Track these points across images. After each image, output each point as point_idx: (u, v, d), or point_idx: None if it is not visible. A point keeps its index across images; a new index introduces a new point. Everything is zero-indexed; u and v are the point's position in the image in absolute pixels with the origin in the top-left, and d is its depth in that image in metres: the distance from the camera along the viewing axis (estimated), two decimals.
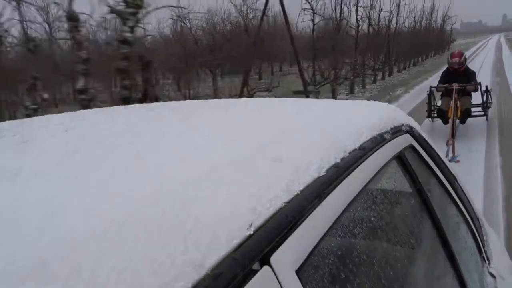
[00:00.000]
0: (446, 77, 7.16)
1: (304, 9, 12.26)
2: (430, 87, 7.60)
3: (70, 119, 1.00)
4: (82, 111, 1.12)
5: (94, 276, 0.35)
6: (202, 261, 0.39)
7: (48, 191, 0.51)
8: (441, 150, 1.39)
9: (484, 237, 1.46)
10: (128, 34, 4.27)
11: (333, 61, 11.98)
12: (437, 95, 7.49)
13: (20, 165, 0.62)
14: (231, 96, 8.78)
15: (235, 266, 0.41)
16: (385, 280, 0.77)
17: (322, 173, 0.64)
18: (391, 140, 0.99)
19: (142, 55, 4.76)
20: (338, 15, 13.56)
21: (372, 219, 0.81)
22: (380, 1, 16.50)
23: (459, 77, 6.96)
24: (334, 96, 11.88)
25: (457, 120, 6.81)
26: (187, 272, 0.38)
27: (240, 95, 9.01)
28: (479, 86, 7.19)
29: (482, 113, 7.57)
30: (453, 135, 6.17)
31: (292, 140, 0.73)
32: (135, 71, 4.53)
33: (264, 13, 10.24)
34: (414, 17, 23.76)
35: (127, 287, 0.34)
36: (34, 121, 1.00)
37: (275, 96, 7.88)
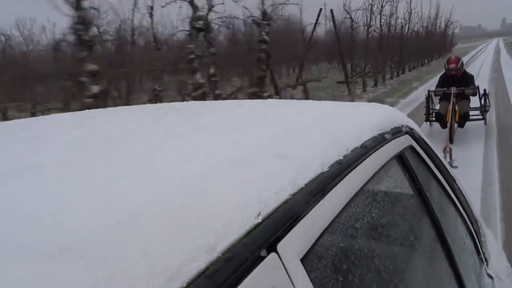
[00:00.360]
0: (444, 81, 7.17)
1: (345, 18, 16.06)
2: (429, 91, 7.62)
3: (80, 118, 1.03)
4: (91, 110, 1.14)
5: (112, 259, 0.37)
6: (214, 245, 0.42)
7: (59, 187, 0.53)
8: (439, 153, 1.42)
9: (482, 239, 1.48)
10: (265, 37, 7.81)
11: (365, 60, 15.84)
12: (435, 99, 7.52)
13: (31, 161, 0.64)
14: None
15: (245, 251, 0.44)
16: (385, 274, 0.79)
17: (325, 169, 0.67)
18: (391, 140, 1.01)
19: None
20: (368, 21, 17.25)
21: (373, 215, 0.83)
22: (396, 10, 19.98)
23: (457, 81, 6.98)
24: (364, 87, 14.85)
25: (455, 124, 6.83)
26: (201, 255, 0.40)
27: (296, 82, 11.92)
28: (477, 90, 7.21)
29: (481, 116, 7.59)
30: (451, 140, 6.17)
31: (294, 139, 0.76)
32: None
33: (316, 22, 13.15)
34: (422, 23, 27.25)
35: (145, 267, 0.36)
36: (44, 120, 1.03)
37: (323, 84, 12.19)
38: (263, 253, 0.46)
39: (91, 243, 0.38)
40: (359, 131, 0.91)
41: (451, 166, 5.18)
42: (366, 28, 16.99)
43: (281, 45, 13.21)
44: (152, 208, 0.44)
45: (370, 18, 17.09)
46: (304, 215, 0.55)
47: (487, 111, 7.73)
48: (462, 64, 7.24)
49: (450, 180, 1.38)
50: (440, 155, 1.43)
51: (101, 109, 1.21)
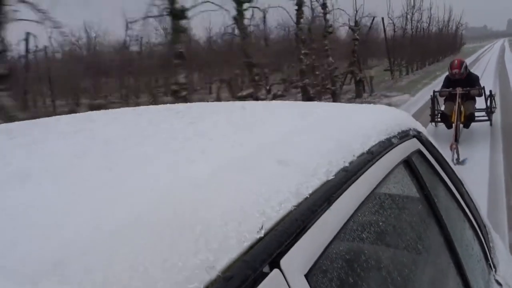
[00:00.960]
0: (449, 82, 7.10)
1: (389, 23, 20.73)
2: (434, 91, 7.57)
3: (79, 121, 1.01)
4: (92, 112, 1.12)
5: (106, 277, 0.35)
6: (214, 263, 0.39)
7: (58, 192, 0.51)
8: (446, 154, 1.39)
9: (491, 244, 1.45)
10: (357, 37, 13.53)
11: (400, 54, 20.67)
12: (441, 100, 7.47)
13: (30, 166, 0.62)
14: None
15: (246, 268, 0.41)
16: (392, 285, 0.76)
17: (331, 176, 0.64)
18: (398, 144, 0.98)
19: None
20: (404, 26, 23.09)
21: (380, 223, 0.81)
22: (421, 16, 26.34)
23: (462, 82, 6.91)
24: (400, 74, 19.80)
25: (461, 125, 6.77)
26: (199, 273, 0.37)
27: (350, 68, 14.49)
28: (483, 91, 7.14)
29: (486, 117, 7.52)
30: (456, 139, 6.14)
31: (297, 145, 0.73)
32: None
33: (371, 26, 17.78)
34: (438, 25, 33.83)
35: (139, 287, 0.34)
36: (43, 122, 1.01)
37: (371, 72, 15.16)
38: (265, 269, 0.44)
39: (76, 263, 0.35)
40: (365, 136, 0.88)
41: (459, 162, 5.18)
42: (402, 31, 22.76)
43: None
44: (144, 220, 0.42)
45: (405, 23, 23.09)
46: (309, 227, 0.53)
47: (493, 112, 7.66)
48: (466, 67, 7.13)
49: (458, 184, 1.35)
50: (447, 156, 1.40)
51: (102, 111, 1.19)
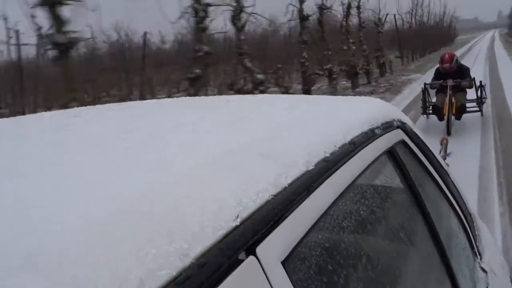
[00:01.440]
0: (440, 74, 7.16)
1: (398, 18, 24.35)
2: (424, 84, 7.61)
3: (64, 117, 1.01)
4: (75, 108, 1.12)
5: (79, 266, 0.35)
6: (187, 250, 0.40)
7: (35, 188, 0.51)
8: (435, 147, 1.41)
9: (476, 232, 1.47)
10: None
11: (407, 44, 24.77)
12: (432, 92, 7.51)
13: (14, 162, 0.62)
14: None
15: (221, 255, 0.42)
16: (373, 273, 0.78)
17: (311, 167, 0.65)
18: (382, 135, 0.99)
19: None
20: (410, 20, 28.03)
21: (362, 213, 0.82)
22: (423, 12, 31.37)
23: (453, 74, 6.96)
24: (402, 62, 22.67)
25: (453, 117, 6.82)
26: (172, 261, 0.38)
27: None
28: (473, 82, 7.20)
29: (477, 108, 7.59)
30: (448, 132, 6.18)
31: (279, 137, 0.74)
32: None
33: (384, 21, 20.07)
34: (435, 19, 38.42)
35: (112, 275, 0.35)
36: (29, 119, 1.01)
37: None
38: (241, 256, 0.45)
39: (48, 254, 0.36)
40: (347, 127, 0.89)
41: (444, 159, 5.18)
42: (409, 24, 27.30)
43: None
44: (121, 215, 0.42)
45: (410, 18, 27.83)
46: (287, 216, 0.54)
47: (483, 102, 7.73)
48: (457, 60, 7.19)
49: (443, 174, 1.37)
50: (435, 148, 1.42)
51: (88, 107, 1.19)
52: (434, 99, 7.31)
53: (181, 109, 1.05)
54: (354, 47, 14.44)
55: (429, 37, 32.15)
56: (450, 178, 1.43)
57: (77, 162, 0.60)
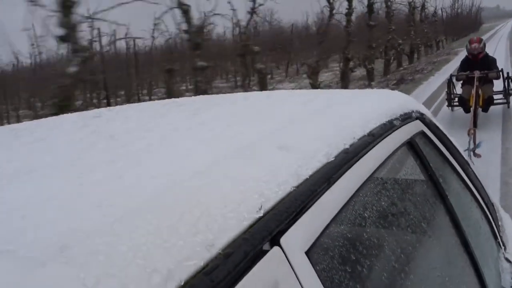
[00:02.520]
0: (466, 66, 6.98)
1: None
2: (450, 75, 7.45)
3: (85, 118, 1.03)
4: (97, 110, 1.15)
5: (109, 257, 0.36)
6: (213, 241, 0.41)
7: (65, 183, 0.53)
8: (461, 140, 1.39)
9: (500, 223, 1.45)
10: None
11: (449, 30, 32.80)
12: (457, 84, 7.37)
13: (37, 161, 0.64)
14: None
15: (246, 246, 0.43)
16: (396, 263, 0.77)
17: (331, 158, 0.65)
18: (401, 126, 0.99)
19: None
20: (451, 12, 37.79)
21: (383, 203, 0.82)
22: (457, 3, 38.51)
23: (480, 65, 6.79)
24: (447, 42, 32.49)
25: (479, 109, 6.66)
26: (199, 251, 0.39)
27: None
28: (501, 73, 7.02)
29: (504, 100, 7.40)
30: (475, 124, 6.03)
31: (299, 130, 0.74)
32: None
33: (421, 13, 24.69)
34: (466, 10, 46.76)
35: (142, 265, 0.36)
36: (50, 121, 1.03)
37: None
38: (265, 247, 0.45)
39: (81, 245, 0.37)
40: (366, 119, 0.89)
41: (474, 154, 5.06)
42: (450, 15, 36.02)
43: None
44: (147, 207, 0.43)
45: (451, 10, 36.74)
46: (309, 207, 0.54)
47: (511, 94, 7.51)
48: (484, 44, 7.05)
49: (464, 164, 1.35)
50: (459, 139, 1.40)
51: (108, 108, 1.21)
52: (459, 91, 7.15)
53: (199, 107, 1.06)
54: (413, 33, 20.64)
55: (462, 24, 41.36)
56: (471, 168, 1.41)
57: (103, 158, 0.62)
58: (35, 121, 1.04)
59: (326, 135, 0.74)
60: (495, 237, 1.37)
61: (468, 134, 5.46)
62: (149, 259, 0.36)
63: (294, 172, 0.57)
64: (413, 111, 1.14)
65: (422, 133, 1.15)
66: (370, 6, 15.10)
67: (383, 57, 17.33)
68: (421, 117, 1.18)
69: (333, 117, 0.88)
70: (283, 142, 0.65)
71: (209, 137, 0.70)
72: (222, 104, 1.12)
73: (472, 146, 5.29)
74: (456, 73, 7.20)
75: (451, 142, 1.34)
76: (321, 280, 0.50)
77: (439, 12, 33.58)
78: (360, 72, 17.59)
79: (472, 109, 6.26)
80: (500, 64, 7.60)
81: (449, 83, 7.34)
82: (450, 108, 7.49)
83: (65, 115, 1.08)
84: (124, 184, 0.51)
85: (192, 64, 7.06)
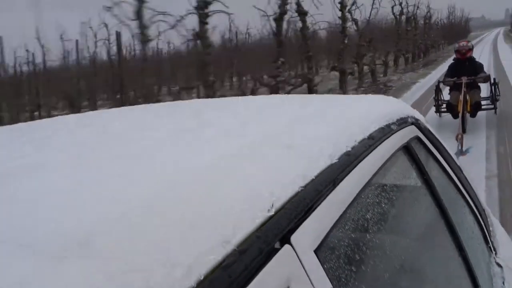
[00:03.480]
0: (454, 70, 7.08)
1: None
2: (438, 81, 7.55)
3: (90, 118, 1.03)
4: (99, 111, 1.15)
5: (129, 251, 0.37)
6: (229, 238, 0.41)
7: (83, 178, 0.53)
8: (450, 145, 1.42)
9: (490, 228, 1.48)
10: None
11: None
12: (444, 90, 7.47)
13: (38, 161, 0.64)
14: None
15: (259, 243, 0.43)
16: (396, 263, 0.79)
17: (335, 160, 0.67)
18: (398, 131, 1.01)
19: None
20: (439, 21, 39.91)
21: (383, 205, 0.83)
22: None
23: (467, 69, 6.88)
24: (442, 46, 36.36)
25: (467, 114, 6.75)
26: (216, 248, 0.40)
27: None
28: (488, 78, 7.15)
29: (492, 106, 7.51)
30: (464, 130, 6.12)
31: (302, 132, 0.76)
32: None
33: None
34: (455, 17, 51.18)
35: (161, 261, 0.36)
36: (52, 121, 1.03)
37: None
38: (277, 245, 0.46)
39: (101, 239, 0.37)
40: (365, 122, 0.90)
41: (462, 153, 5.22)
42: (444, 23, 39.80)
43: None
44: (165, 200, 0.44)
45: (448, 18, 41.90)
46: (316, 207, 0.55)
47: (497, 100, 7.63)
48: (472, 45, 7.23)
49: (457, 170, 1.38)
50: (447, 145, 1.43)
51: (112, 109, 1.22)
52: (447, 97, 7.24)
53: (201, 109, 1.07)
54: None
55: (455, 31, 45.84)
56: (463, 174, 1.44)
57: (117, 156, 0.62)
58: (40, 121, 1.04)
59: (328, 137, 0.75)
60: (487, 242, 1.39)
61: (457, 139, 5.57)
62: (170, 252, 0.37)
63: (301, 172, 0.58)
64: (408, 116, 1.16)
65: (418, 138, 1.17)
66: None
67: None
68: (416, 123, 1.20)
69: (334, 119, 0.89)
70: (289, 142, 0.66)
71: (214, 136, 0.71)
72: (222, 107, 1.13)
73: (460, 149, 5.43)
74: (443, 78, 7.30)
75: (444, 147, 1.37)
76: (329, 278, 0.51)
77: (439, 21, 38.19)
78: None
79: (460, 114, 6.34)
80: (484, 58, 7.80)
81: (437, 89, 7.42)
82: (438, 114, 7.57)
83: (68, 116, 1.08)
84: (133, 181, 0.51)
85: None
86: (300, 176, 0.57)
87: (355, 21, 14.81)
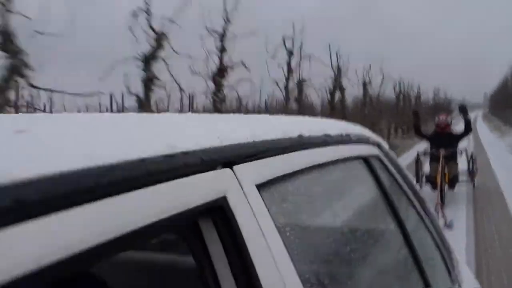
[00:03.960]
0: (433, 141, 7.34)
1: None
2: (418, 153, 7.78)
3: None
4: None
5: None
6: (174, 143, 0.48)
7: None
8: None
9: (451, 255, 1.52)
10: None
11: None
12: (425, 161, 7.69)
13: None
14: None
15: (202, 162, 0.50)
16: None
17: (290, 135, 0.75)
18: (357, 142, 1.09)
19: None
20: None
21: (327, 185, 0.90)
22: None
23: (446, 140, 7.14)
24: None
25: (446, 186, 6.89)
26: (162, 148, 0.47)
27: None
28: (464, 153, 7.44)
29: (469, 179, 7.71)
30: (442, 200, 6.21)
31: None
32: None
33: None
34: (439, 99, 51.76)
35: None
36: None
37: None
38: (219, 167, 0.53)
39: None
40: (326, 129, 0.99)
41: (446, 226, 5.23)
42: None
43: None
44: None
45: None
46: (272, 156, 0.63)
47: (475, 174, 7.84)
48: (451, 120, 7.59)
49: (419, 198, 1.44)
50: (411, 177, 1.50)
51: None
52: (427, 169, 7.44)
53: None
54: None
55: (439, 110, 50.44)
56: (426, 205, 1.50)
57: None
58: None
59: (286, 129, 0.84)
60: (448, 271, 1.43)
61: (435, 210, 5.60)
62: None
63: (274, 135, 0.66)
64: (370, 138, 1.25)
65: (378, 157, 1.24)
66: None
67: None
68: (379, 145, 1.29)
69: (295, 127, 0.98)
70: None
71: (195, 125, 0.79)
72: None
73: (442, 220, 5.46)
74: (423, 149, 7.56)
75: (409, 180, 1.44)
76: (265, 204, 0.57)
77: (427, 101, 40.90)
78: None
79: (438, 186, 6.47)
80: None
81: (417, 161, 7.62)
82: (418, 185, 7.69)
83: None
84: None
85: None
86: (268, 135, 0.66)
87: (370, 97, 18.42)
